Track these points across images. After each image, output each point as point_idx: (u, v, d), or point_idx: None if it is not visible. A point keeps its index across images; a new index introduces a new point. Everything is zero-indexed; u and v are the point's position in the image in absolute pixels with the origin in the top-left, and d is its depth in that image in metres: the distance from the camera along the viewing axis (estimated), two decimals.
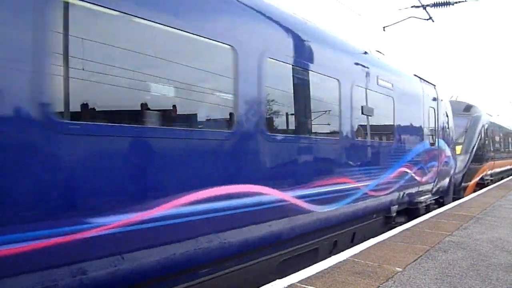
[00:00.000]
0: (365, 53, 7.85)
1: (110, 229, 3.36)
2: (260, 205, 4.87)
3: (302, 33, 5.90)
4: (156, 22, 3.76)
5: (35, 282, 2.96)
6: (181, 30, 4.02)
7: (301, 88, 5.98)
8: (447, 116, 12.53)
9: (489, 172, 19.39)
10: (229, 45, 4.50)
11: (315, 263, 5.41)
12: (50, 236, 3.01)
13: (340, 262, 5.32)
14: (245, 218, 4.71)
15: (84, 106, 3.45)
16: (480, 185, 17.72)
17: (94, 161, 3.33)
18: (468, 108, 17.67)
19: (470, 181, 16.73)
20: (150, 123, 3.82)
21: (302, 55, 5.81)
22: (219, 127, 4.62)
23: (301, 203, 5.56)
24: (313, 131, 6.13)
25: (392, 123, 8.54)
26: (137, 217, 3.56)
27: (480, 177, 17.82)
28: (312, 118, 6.13)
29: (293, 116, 5.87)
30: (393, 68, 9.04)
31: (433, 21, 12.60)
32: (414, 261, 5.45)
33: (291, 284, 4.42)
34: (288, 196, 5.32)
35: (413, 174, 9.40)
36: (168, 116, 4.11)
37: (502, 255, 5.83)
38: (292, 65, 5.60)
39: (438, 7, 12.02)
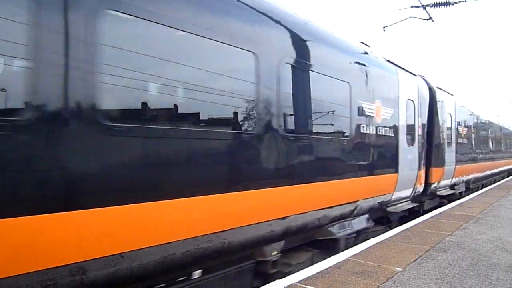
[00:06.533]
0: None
1: None
2: None
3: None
4: None
5: None
6: None
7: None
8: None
9: None
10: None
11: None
12: None
13: (340, 262, 5.33)
14: None
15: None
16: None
17: None
18: None
19: None
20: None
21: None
22: None
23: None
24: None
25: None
26: None
27: None
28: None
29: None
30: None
31: (433, 21, 12.61)
32: (414, 261, 5.46)
33: (291, 284, 4.42)
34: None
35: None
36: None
37: (502, 255, 5.84)
38: None
39: (438, 7, 12.02)
